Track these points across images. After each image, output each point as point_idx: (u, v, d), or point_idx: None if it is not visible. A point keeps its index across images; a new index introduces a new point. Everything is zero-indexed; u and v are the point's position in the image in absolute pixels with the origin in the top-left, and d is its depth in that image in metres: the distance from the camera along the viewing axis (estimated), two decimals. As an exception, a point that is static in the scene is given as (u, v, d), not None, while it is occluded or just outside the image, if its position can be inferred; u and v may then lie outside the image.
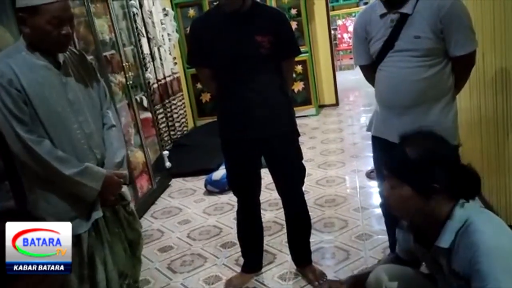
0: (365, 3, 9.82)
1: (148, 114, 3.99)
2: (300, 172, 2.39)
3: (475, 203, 1.43)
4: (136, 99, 3.74)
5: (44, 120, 1.69)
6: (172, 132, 5.20)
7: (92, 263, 1.82)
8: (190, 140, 5.23)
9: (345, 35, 9.45)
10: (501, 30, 2.38)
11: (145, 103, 3.93)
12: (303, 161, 2.41)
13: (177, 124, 5.33)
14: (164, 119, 4.98)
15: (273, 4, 5.65)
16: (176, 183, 4.28)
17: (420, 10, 1.92)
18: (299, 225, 2.48)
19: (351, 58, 9.77)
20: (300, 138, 2.40)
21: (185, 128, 5.57)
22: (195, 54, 2.30)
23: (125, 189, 1.99)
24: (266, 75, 2.17)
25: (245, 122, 2.20)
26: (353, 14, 9.72)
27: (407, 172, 1.35)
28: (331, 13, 7.34)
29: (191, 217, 3.49)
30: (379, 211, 3.05)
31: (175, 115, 5.29)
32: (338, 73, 6.70)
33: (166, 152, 4.26)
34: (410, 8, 1.93)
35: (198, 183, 4.18)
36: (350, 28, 9.44)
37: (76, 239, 1.75)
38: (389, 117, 2.07)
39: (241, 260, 2.62)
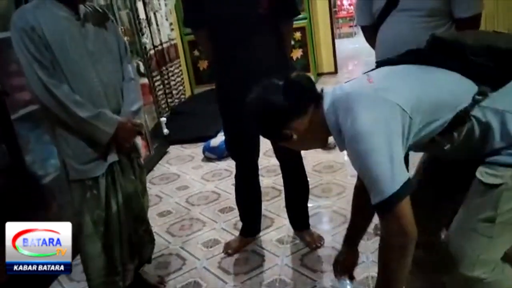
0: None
1: (145, 80, 3.95)
2: None
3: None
4: (132, 65, 3.68)
5: (63, 66, 1.76)
6: (169, 100, 5.16)
7: (107, 206, 1.90)
8: (188, 108, 5.20)
9: (345, 2, 9.31)
10: None
11: (141, 68, 3.89)
12: None
13: (174, 92, 5.29)
14: (161, 86, 4.94)
15: (272, -31, 5.53)
16: (174, 150, 4.28)
17: None
18: (297, 189, 2.49)
19: (350, 26, 9.65)
20: None
21: (182, 96, 5.53)
22: (191, 14, 2.25)
23: (138, 142, 2.04)
24: (264, 36, 2.12)
25: (243, 82, 2.15)
26: (353, -19, 9.54)
27: (272, 125, 1.36)
28: (331, -21, 7.20)
29: (189, 183, 3.50)
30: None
31: (172, 82, 5.24)
32: (337, 41, 6.62)
33: (163, 119, 4.24)
34: None
35: (196, 150, 4.18)
36: (350, -5, 9.30)
37: (93, 181, 1.85)
38: None
39: (240, 224, 2.63)
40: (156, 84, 4.74)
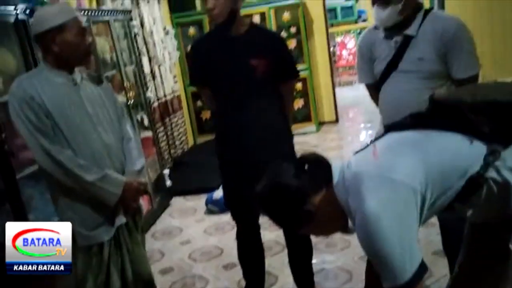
0: (364, 20, 9.93)
1: (149, 133, 3.99)
2: None
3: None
4: (137, 119, 3.74)
5: (65, 132, 1.79)
6: (172, 150, 5.20)
7: (108, 271, 1.88)
8: (191, 158, 5.21)
9: (344, 52, 9.52)
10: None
11: (145, 122, 3.94)
12: None
13: (177, 142, 5.34)
14: (164, 137, 4.98)
15: (273, 23, 5.71)
16: (177, 202, 4.26)
17: (424, 33, 1.94)
18: (300, 247, 2.44)
19: (350, 75, 9.83)
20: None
21: (185, 146, 5.57)
22: (196, 74, 2.33)
23: (141, 202, 2.06)
24: (262, 98, 2.15)
25: (242, 144, 2.19)
26: (352, 31, 9.81)
27: (292, 206, 1.29)
28: (330, 30, 7.40)
29: (192, 238, 3.46)
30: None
31: (175, 133, 5.30)
32: (337, 89, 6.73)
33: (166, 171, 4.25)
34: (414, 30, 1.95)
35: (199, 202, 4.16)
36: (349, 45, 9.55)
37: (98, 247, 1.84)
38: None
39: (243, 282, 2.59)
40: (160, 135, 4.79)
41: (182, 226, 3.72)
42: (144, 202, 3.66)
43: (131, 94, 3.63)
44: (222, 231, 3.47)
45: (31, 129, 1.73)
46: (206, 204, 3.90)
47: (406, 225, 1.15)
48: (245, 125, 2.15)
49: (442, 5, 3.90)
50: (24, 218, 2.30)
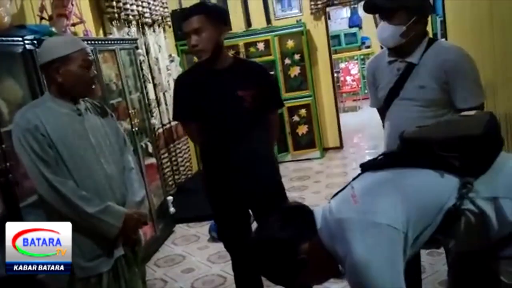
0: (367, 47, 10.03)
1: (153, 160, 4.00)
2: None
3: None
4: (141, 145, 3.76)
5: (68, 162, 1.78)
6: (176, 176, 5.20)
7: None
8: (194, 185, 5.19)
9: (348, 78, 9.58)
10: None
11: (150, 149, 3.95)
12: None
13: (181, 168, 5.34)
14: (168, 163, 4.99)
15: (277, 50, 5.78)
16: (180, 229, 4.24)
17: (426, 61, 1.94)
18: None
19: (354, 100, 9.87)
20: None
21: (189, 172, 5.57)
22: (181, 109, 2.30)
23: (140, 233, 2.05)
24: (251, 129, 2.18)
25: (230, 176, 2.20)
26: (355, 58, 9.90)
27: (286, 257, 1.31)
28: (333, 56, 7.48)
29: (195, 265, 3.43)
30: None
31: (179, 159, 5.31)
32: (341, 115, 6.74)
33: (170, 198, 4.24)
34: (416, 58, 1.95)
35: (201, 229, 4.13)
36: (353, 71, 9.61)
37: (97, 278, 1.81)
38: None
39: (246, 313, 2.55)
40: (164, 161, 4.80)
41: (185, 253, 3.69)
42: (147, 229, 3.65)
43: (135, 121, 3.66)
44: (225, 259, 3.43)
45: (34, 158, 1.73)
46: (209, 231, 3.87)
47: (394, 267, 1.18)
48: (235, 155, 2.16)
49: (444, 32, 3.94)
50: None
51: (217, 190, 2.26)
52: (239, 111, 2.14)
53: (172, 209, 4.18)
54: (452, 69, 1.89)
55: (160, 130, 4.81)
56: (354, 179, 1.42)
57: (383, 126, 2.23)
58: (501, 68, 2.42)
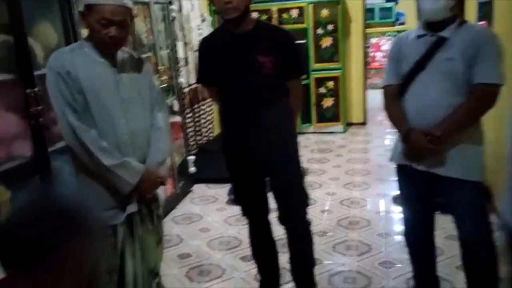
0: (401, 24, 9.74)
1: (177, 118, 4.00)
2: (300, 196, 2.27)
3: None
4: (167, 103, 3.75)
5: (94, 112, 1.78)
6: (198, 137, 5.21)
7: (122, 255, 1.87)
8: (215, 147, 5.20)
9: (378, 54, 9.36)
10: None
11: (175, 107, 3.95)
12: (309, 189, 2.35)
13: (203, 130, 5.34)
14: (191, 123, 4.99)
15: (311, 19, 5.65)
16: (199, 189, 4.28)
17: (458, 36, 1.91)
18: (301, 264, 2.39)
19: (381, 78, 9.68)
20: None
21: (211, 134, 5.58)
22: (202, 73, 2.29)
23: (160, 193, 2.02)
24: (269, 96, 2.12)
25: (248, 143, 2.16)
26: (387, 34, 9.63)
27: None
28: (366, 30, 7.28)
29: (211, 226, 3.47)
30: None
31: (202, 121, 5.30)
32: (367, 92, 6.63)
33: (191, 157, 4.26)
34: (449, 32, 1.93)
35: (220, 191, 4.16)
36: (384, 47, 9.37)
37: (112, 229, 1.82)
38: None
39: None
40: (187, 121, 4.80)
41: (202, 213, 3.73)
42: (167, 186, 3.69)
43: (164, 78, 3.64)
44: (242, 222, 3.43)
45: (62, 103, 1.73)
46: (229, 194, 3.90)
47: None
48: (250, 124, 2.12)
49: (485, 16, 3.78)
50: (52, 191, 2.33)
51: (234, 155, 2.25)
52: (258, 77, 2.07)
53: (192, 169, 4.21)
54: (479, 45, 1.87)
55: (186, 90, 4.79)
56: None
57: (388, 109, 2.14)
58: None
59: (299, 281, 2.41)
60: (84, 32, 2.16)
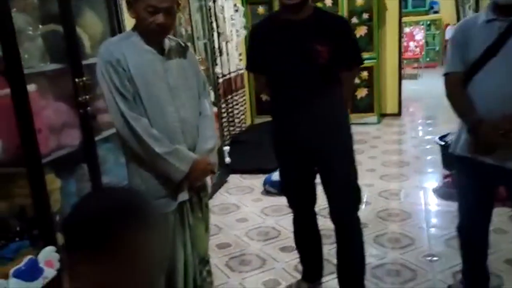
0: (435, 12, 9.51)
1: (214, 108, 3.99)
2: (354, 193, 2.19)
3: None
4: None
5: (144, 100, 1.78)
6: (231, 128, 5.21)
7: (173, 243, 1.87)
8: (248, 137, 5.22)
9: (411, 44, 9.17)
10: None
11: (212, 97, 3.94)
12: (359, 182, 2.21)
13: (236, 120, 5.34)
14: (225, 114, 5.00)
15: (345, 7, 5.56)
16: (234, 179, 4.28)
17: None
18: (351, 264, 2.28)
19: (414, 68, 9.48)
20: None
21: (243, 125, 5.58)
22: (252, 60, 2.25)
23: (208, 180, 2.02)
24: (324, 87, 2.06)
25: (299, 134, 2.10)
26: (421, 23, 9.42)
27: None
28: (400, 20, 7.13)
29: (248, 216, 3.47)
30: (448, 232, 2.93)
31: (235, 111, 5.30)
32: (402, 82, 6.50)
33: (226, 148, 4.27)
34: None
35: (255, 181, 4.16)
36: (417, 37, 9.19)
37: (164, 218, 1.81)
38: None
39: (301, 266, 2.57)
40: (221, 111, 4.81)
41: (238, 203, 3.73)
42: (209, 177, 3.70)
43: (201, 68, 3.63)
44: (280, 213, 3.45)
45: (113, 91, 1.73)
46: (264, 184, 3.89)
47: None
48: (303, 114, 2.06)
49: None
50: (99, 180, 2.36)
51: (285, 146, 2.20)
52: (313, 66, 2.00)
53: (227, 159, 4.21)
54: None
55: (220, 80, 4.78)
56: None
57: (452, 99, 2.06)
58: None
59: (345, 283, 2.30)
60: (129, 22, 2.17)
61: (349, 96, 2.26)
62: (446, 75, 2.03)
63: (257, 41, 2.17)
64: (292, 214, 2.48)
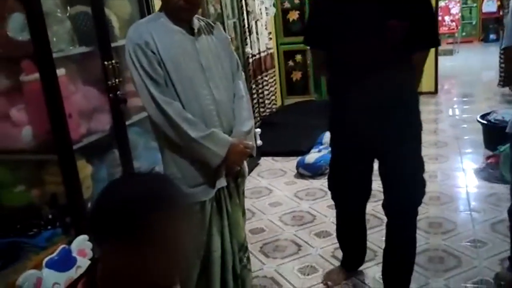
0: (472, -16, 9.07)
1: (244, 90, 3.91)
2: (418, 188, 1.99)
3: None
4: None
5: (176, 83, 1.69)
6: (261, 109, 5.12)
7: (209, 231, 1.80)
8: (279, 119, 5.12)
9: (446, 18, 8.79)
10: None
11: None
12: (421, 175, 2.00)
13: (266, 101, 5.24)
14: (255, 95, 4.90)
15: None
16: (265, 162, 4.21)
17: None
18: (400, 261, 2.12)
19: (449, 43, 9.11)
20: None
21: (274, 106, 5.47)
22: (311, 34, 2.04)
23: (245, 165, 1.93)
24: (393, 68, 1.82)
25: (361, 120, 1.90)
26: (457, -4, 9.01)
27: None
28: (435, -7, 6.81)
29: (282, 200, 3.39)
30: (493, 216, 2.79)
31: (265, 92, 5.19)
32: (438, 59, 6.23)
33: (258, 130, 4.18)
34: None
35: (287, 164, 4.07)
36: (453, 11, 8.80)
37: (200, 206, 1.75)
38: None
39: (338, 252, 2.48)
40: (252, 92, 4.71)
41: (271, 187, 3.66)
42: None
43: (231, 48, 3.54)
44: (314, 197, 3.36)
45: (142, 75, 1.65)
46: (297, 167, 3.80)
47: None
48: (369, 99, 1.84)
49: None
50: (130, 165, 2.32)
51: (343, 132, 2.02)
52: (384, 44, 1.76)
53: (259, 142, 4.12)
54: None
55: (250, 61, 4.67)
56: None
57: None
58: None
59: (391, 277, 2.16)
60: (157, 2, 2.08)
61: (419, 80, 2.03)
62: (505, 49, 1.86)
63: (321, 11, 1.95)
64: (327, 197, 2.36)
